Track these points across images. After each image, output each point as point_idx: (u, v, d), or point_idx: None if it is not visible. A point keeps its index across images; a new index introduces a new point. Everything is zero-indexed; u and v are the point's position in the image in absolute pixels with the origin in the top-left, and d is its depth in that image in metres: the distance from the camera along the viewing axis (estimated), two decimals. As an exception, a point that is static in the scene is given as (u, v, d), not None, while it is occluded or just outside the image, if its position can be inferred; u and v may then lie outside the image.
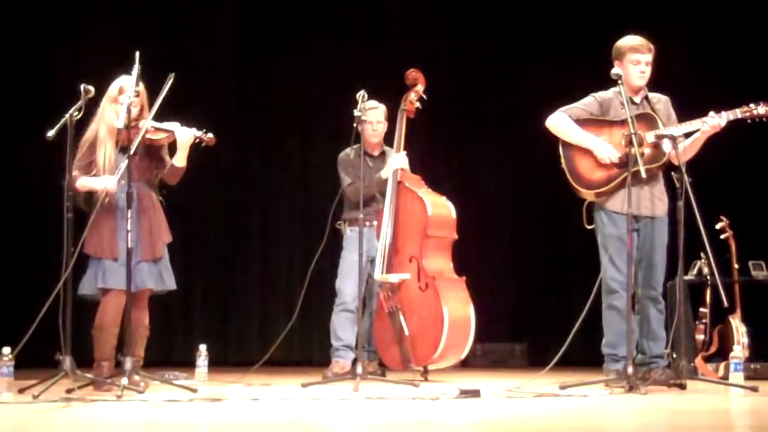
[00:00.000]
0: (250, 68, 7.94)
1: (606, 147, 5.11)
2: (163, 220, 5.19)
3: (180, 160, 5.09)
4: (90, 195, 5.04)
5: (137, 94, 4.88)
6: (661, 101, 5.24)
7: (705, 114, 5.01)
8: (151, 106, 4.99)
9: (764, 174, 7.28)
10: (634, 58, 5.13)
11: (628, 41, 5.17)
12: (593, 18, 7.69)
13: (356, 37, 7.87)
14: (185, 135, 5.03)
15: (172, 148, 5.17)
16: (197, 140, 5.05)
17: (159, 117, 5.02)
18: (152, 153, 5.14)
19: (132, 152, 4.75)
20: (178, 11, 7.86)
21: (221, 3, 8.00)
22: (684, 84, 6.29)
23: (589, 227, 5.22)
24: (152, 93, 5.09)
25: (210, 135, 5.06)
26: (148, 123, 4.96)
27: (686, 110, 5.21)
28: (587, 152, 5.17)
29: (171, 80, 4.87)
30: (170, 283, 5.17)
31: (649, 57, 5.15)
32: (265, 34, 7.95)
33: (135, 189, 4.84)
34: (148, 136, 4.99)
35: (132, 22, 7.70)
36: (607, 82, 5.10)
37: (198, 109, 5.36)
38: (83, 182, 5.01)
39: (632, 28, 5.39)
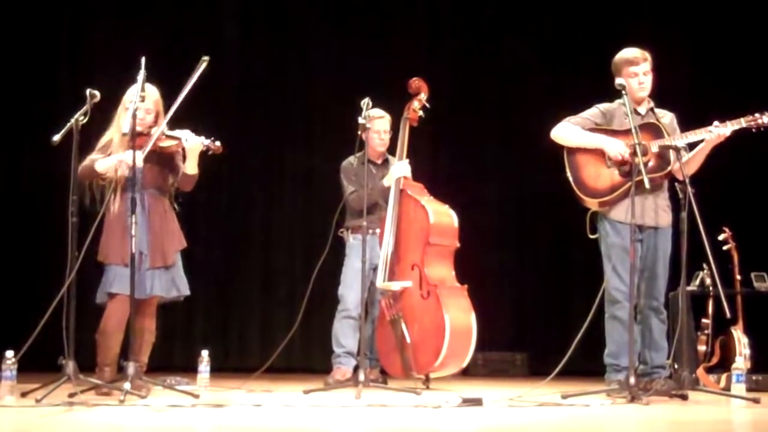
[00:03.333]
0: (252, 75, 7.95)
1: (616, 143, 5.12)
2: (176, 227, 5.20)
3: (191, 167, 5.12)
4: (103, 190, 5.04)
5: (143, 99, 4.88)
6: (667, 116, 5.25)
7: (708, 124, 5.01)
8: (173, 99, 4.98)
9: (767, 185, 7.29)
10: (631, 70, 5.14)
11: (624, 54, 5.18)
12: (596, 28, 7.70)
13: (360, 45, 7.88)
14: (192, 143, 5.05)
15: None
16: (205, 148, 5.07)
17: (173, 122, 5.04)
18: (164, 160, 5.15)
19: (143, 159, 4.78)
20: (180, 18, 7.87)
21: (224, 8, 8.02)
22: (686, 95, 6.31)
23: (591, 237, 5.23)
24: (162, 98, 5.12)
25: (218, 143, 5.08)
26: (160, 129, 4.97)
27: (688, 122, 5.22)
28: (592, 161, 5.18)
29: (204, 64, 4.88)
30: (183, 289, 5.19)
31: (646, 66, 5.15)
32: (268, 41, 7.97)
33: (146, 195, 4.89)
34: (159, 143, 5.01)
35: (135, 25, 7.70)
36: (611, 91, 5.11)
37: (199, 115, 5.37)
38: (101, 164, 4.99)
39: (635, 37, 5.40)
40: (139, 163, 4.82)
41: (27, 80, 7.61)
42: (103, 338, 4.99)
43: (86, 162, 4.98)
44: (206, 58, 4.89)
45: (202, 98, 6.81)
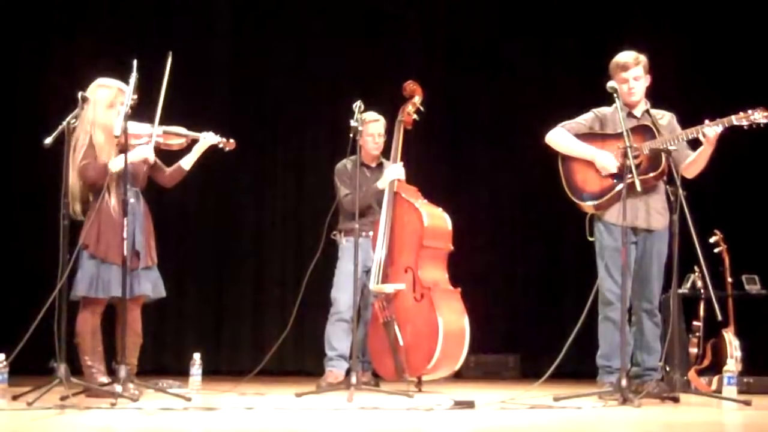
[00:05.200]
0: (246, 76, 7.95)
1: (606, 157, 5.12)
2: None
3: (189, 163, 5.13)
4: (87, 196, 5.02)
5: (134, 102, 4.87)
6: (665, 117, 5.24)
7: (700, 123, 5.01)
8: (155, 96, 4.98)
9: (758, 188, 7.32)
10: (622, 76, 5.13)
11: (617, 59, 5.18)
12: (590, 31, 7.72)
13: (354, 47, 7.89)
14: (209, 141, 5.08)
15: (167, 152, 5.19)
16: (220, 145, 5.12)
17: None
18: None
19: (152, 161, 4.86)
20: (174, 16, 7.86)
21: (218, 7, 8.01)
22: (680, 95, 6.32)
23: (590, 239, 5.23)
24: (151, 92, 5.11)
25: (231, 141, 5.15)
26: (156, 129, 4.96)
27: (683, 121, 5.22)
28: (586, 165, 5.19)
29: (170, 59, 4.88)
30: (161, 290, 5.18)
31: (636, 71, 5.13)
32: (263, 40, 7.96)
33: (140, 194, 4.89)
34: (160, 140, 5.01)
35: (127, 25, 7.70)
36: (605, 93, 5.10)
37: (193, 117, 5.37)
38: (115, 163, 4.90)
39: (630, 39, 5.41)
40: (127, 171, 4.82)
41: (18, 82, 7.59)
42: (90, 339, 4.98)
43: (94, 164, 4.89)
44: (170, 53, 4.89)
45: (195, 98, 6.82)
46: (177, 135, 5.08)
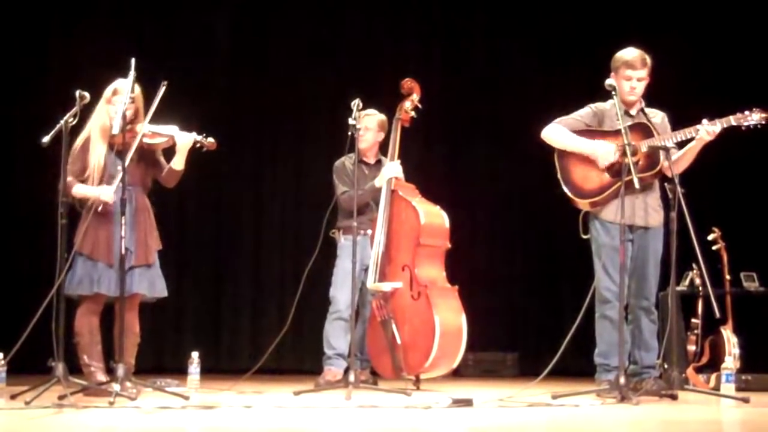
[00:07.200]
0: (244, 75, 7.95)
1: (604, 151, 5.11)
2: (155, 227, 5.19)
3: (179, 163, 5.11)
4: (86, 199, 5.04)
5: (132, 100, 4.88)
6: (658, 116, 5.24)
7: (697, 122, 5.01)
8: (146, 110, 5.00)
9: (756, 186, 7.32)
10: (627, 73, 5.11)
11: (624, 55, 5.15)
12: (589, 28, 7.73)
13: (352, 45, 7.89)
14: (185, 139, 5.04)
15: (166, 151, 5.18)
16: (198, 144, 5.06)
17: (155, 121, 5.03)
18: (147, 157, 5.14)
19: (128, 158, 4.76)
20: (173, 16, 7.86)
21: (217, 8, 8.01)
22: (677, 93, 6.32)
23: (584, 237, 5.23)
24: (147, 98, 5.10)
25: (211, 139, 5.08)
26: (144, 127, 4.96)
27: (679, 120, 5.22)
28: (582, 162, 5.19)
29: (164, 88, 4.89)
30: (161, 290, 5.16)
31: (642, 73, 5.12)
32: (260, 41, 7.97)
33: (134, 193, 4.87)
34: (145, 140, 5.00)
35: (126, 25, 7.70)
36: (603, 90, 5.11)
37: (191, 115, 5.37)
38: (78, 190, 5.00)
39: (628, 37, 5.41)
40: (115, 170, 4.80)
41: (16, 81, 7.59)
42: (88, 338, 4.97)
43: (68, 180, 4.90)
44: (165, 82, 4.89)
45: (192, 98, 6.81)
46: (158, 135, 5.06)
